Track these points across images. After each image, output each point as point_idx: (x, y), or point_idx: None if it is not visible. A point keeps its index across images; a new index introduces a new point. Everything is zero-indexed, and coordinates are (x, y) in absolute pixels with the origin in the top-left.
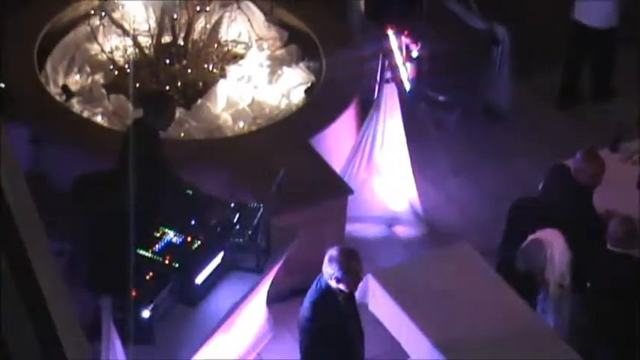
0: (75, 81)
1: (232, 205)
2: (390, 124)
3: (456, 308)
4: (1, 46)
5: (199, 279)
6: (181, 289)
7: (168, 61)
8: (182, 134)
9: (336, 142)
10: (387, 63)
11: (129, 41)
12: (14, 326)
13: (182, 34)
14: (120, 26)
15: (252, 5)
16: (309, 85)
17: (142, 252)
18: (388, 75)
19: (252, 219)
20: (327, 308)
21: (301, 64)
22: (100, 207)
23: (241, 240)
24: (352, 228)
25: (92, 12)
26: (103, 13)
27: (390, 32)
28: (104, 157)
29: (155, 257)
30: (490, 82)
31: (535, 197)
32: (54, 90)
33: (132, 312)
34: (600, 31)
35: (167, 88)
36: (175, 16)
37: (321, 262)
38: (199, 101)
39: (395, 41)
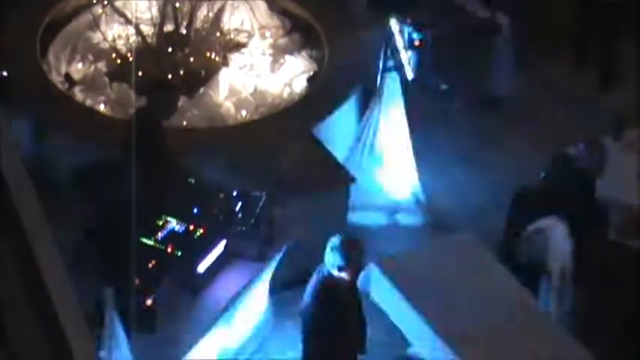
0: (77, 69)
1: (234, 193)
2: (392, 112)
3: (458, 296)
4: (3, 35)
5: (201, 267)
6: (184, 277)
7: (170, 50)
8: (184, 123)
9: (339, 130)
10: (389, 51)
11: (131, 30)
12: (17, 316)
13: (184, 23)
14: (122, 15)
15: None
16: (311, 73)
17: (144, 240)
18: (390, 63)
19: (255, 208)
20: (329, 296)
21: (304, 53)
22: (103, 196)
23: (244, 228)
24: (355, 216)
25: (94, 0)
26: (106, 2)
27: (392, 20)
28: (106, 145)
29: (158, 245)
30: (492, 70)
31: (538, 185)
32: (56, 78)
33: (134, 300)
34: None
35: (169, 76)
36: (178, 5)
37: (324, 251)
38: (202, 90)
39: (397, 29)
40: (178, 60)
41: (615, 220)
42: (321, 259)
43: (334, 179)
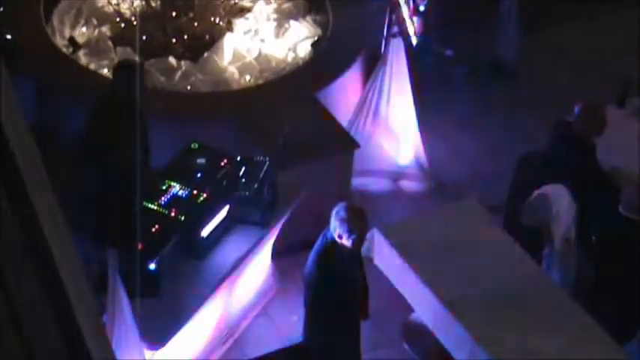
0: (81, 33)
1: (238, 158)
2: (397, 78)
3: (461, 263)
4: None
5: (205, 232)
6: (187, 242)
7: (174, 14)
8: (189, 87)
9: (343, 96)
10: (394, 17)
11: None
12: (20, 280)
13: None
14: None
15: None
16: (315, 38)
17: (148, 205)
18: (395, 29)
19: (258, 173)
20: (332, 262)
21: (308, 18)
22: (106, 159)
23: (247, 193)
24: (358, 182)
25: None
26: None
27: None
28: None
29: (161, 210)
30: (497, 36)
31: (541, 152)
32: (60, 42)
33: (138, 264)
34: None
35: (173, 40)
36: None
37: (327, 216)
38: (206, 54)
39: None
40: (182, 24)
41: (629, 197)
42: (324, 225)
43: (338, 144)
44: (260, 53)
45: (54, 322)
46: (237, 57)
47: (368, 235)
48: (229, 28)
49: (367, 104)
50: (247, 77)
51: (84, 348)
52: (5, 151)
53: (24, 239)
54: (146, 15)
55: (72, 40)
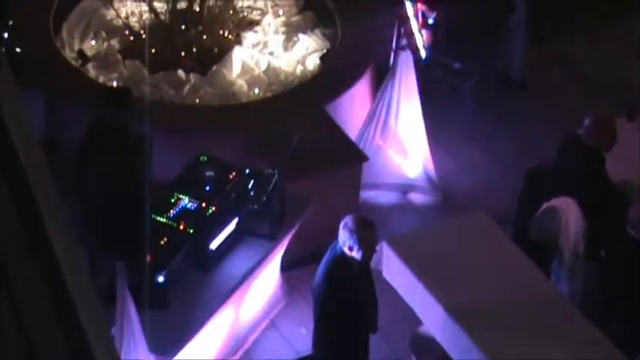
0: (91, 46)
1: (247, 171)
2: (406, 91)
3: (469, 275)
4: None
5: (214, 245)
6: (196, 254)
7: (183, 27)
8: (197, 100)
9: (352, 108)
10: (402, 30)
11: (145, 7)
12: (29, 294)
13: (198, 0)
14: None
15: None
16: (324, 51)
17: (157, 217)
18: (404, 42)
19: (267, 185)
20: (341, 274)
21: (317, 31)
22: (114, 171)
23: (256, 206)
24: (367, 194)
25: None
26: None
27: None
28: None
29: (170, 223)
30: (506, 49)
31: (550, 165)
32: (70, 55)
33: (146, 277)
34: None
35: (182, 54)
36: None
37: (336, 229)
38: (215, 67)
39: (411, 8)
40: (191, 38)
41: (635, 217)
42: (333, 238)
43: (347, 157)
44: (269, 66)
45: (61, 333)
46: (245, 70)
47: (377, 247)
48: (238, 41)
49: (376, 117)
50: (256, 90)
51: None
52: (13, 161)
53: (28, 241)
54: (155, 28)
55: (81, 53)
